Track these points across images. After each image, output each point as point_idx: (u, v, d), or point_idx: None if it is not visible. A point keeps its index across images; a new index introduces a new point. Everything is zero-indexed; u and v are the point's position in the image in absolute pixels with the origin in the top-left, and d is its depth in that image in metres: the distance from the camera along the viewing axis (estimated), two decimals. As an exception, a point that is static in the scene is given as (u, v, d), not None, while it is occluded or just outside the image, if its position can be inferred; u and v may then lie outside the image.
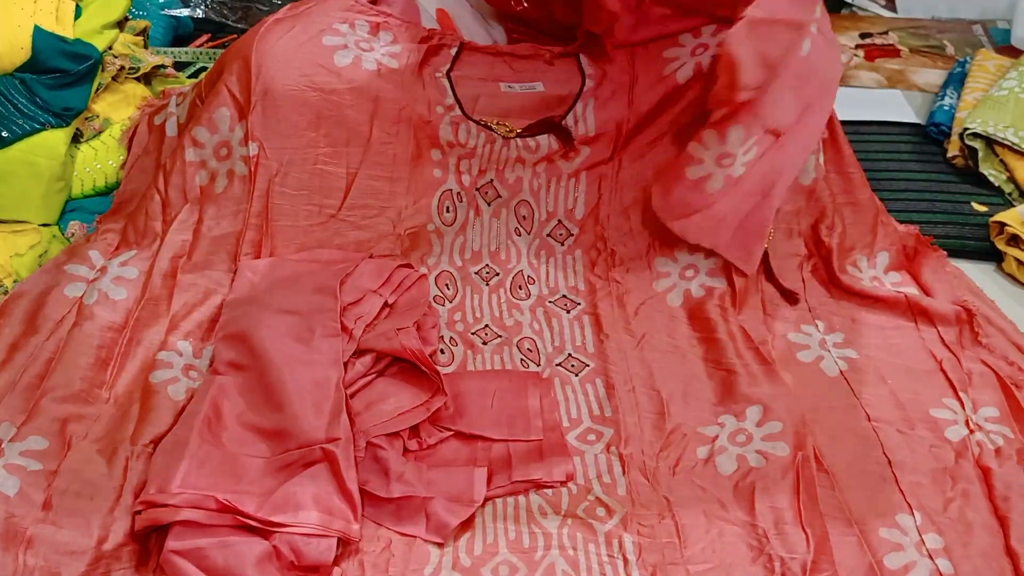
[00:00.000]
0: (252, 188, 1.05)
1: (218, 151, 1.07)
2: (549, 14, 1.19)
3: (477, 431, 0.89)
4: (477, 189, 1.12)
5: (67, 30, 1.12)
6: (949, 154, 1.30)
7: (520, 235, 1.12)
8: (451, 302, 1.07)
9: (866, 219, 1.12)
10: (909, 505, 0.82)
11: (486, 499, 0.82)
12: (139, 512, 0.76)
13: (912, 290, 1.06)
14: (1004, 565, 0.77)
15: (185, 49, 1.47)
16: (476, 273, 1.10)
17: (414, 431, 0.89)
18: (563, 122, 1.12)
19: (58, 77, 1.10)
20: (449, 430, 0.89)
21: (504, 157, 1.11)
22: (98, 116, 1.17)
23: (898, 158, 1.31)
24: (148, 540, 0.77)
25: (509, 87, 1.15)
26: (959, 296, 1.04)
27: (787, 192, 1.10)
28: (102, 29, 1.17)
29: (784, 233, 1.11)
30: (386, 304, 0.98)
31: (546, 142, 1.11)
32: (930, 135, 1.37)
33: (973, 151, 1.26)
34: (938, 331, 1.00)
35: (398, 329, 0.93)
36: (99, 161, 1.15)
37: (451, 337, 1.02)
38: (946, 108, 1.38)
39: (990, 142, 1.26)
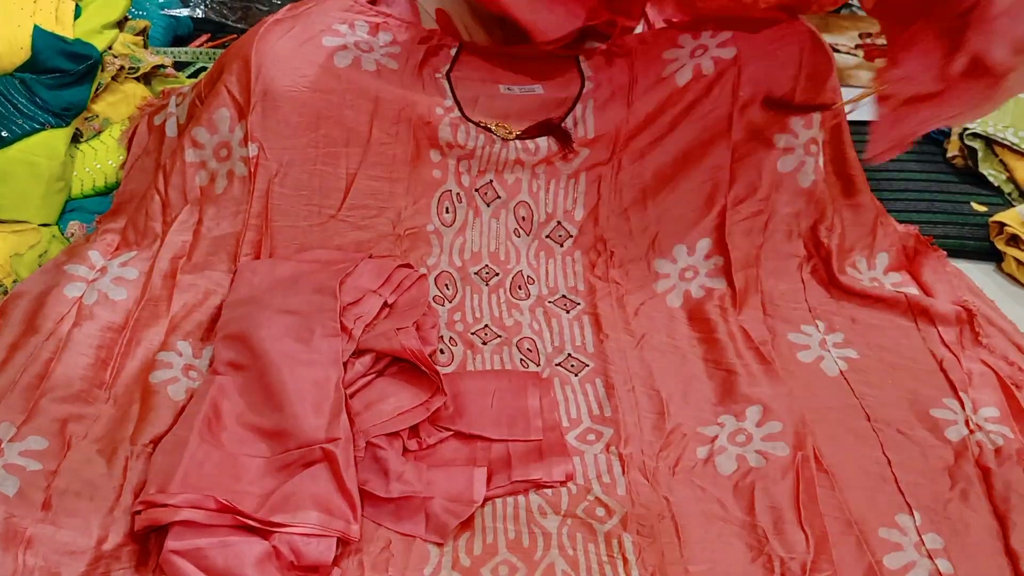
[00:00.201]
0: (252, 189, 1.05)
1: (218, 152, 1.08)
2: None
3: (477, 431, 0.89)
4: (476, 190, 1.12)
5: (67, 30, 1.12)
6: (949, 154, 1.30)
7: (519, 236, 1.13)
8: (451, 302, 1.07)
9: (866, 221, 1.12)
10: (909, 505, 0.82)
11: (486, 499, 0.82)
12: (139, 512, 0.76)
13: (912, 290, 1.06)
14: (1004, 565, 0.77)
15: (185, 49, 1.47)
16: (476, 273, 1.10)
17: (414, 431, 0.89)
18: (563, 124, 1.12)
19: (58, 77, 1.10)
20: (449, 430, 0.89)
21: (503, 159, 1.11)
22: (98, 116, 1.17)
23: (898, 158, 1.30)
24: (148, 540, 0.77)
25: (508, 89, 1.15)
26: (959, 296, 1.04)
27: (787, 194, 1.10)
28: (102, 29, 1.17)
29: (784, 234, 1.11)
30: (386, 304, 0.98)
31: (545, 144, 1.11)
32: (930, 135, 1.37)
33: (973, 151, 1.27)
34: (938, 331, 1.00)
35: (398, 329, 0.93)
36: (99, 161, 1.15)
37: (451, 337, 1.02)
38: (946, 108, 1.37)
39: (990, 142, 1.26)
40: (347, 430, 0.82)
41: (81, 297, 0.98)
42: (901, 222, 1.15)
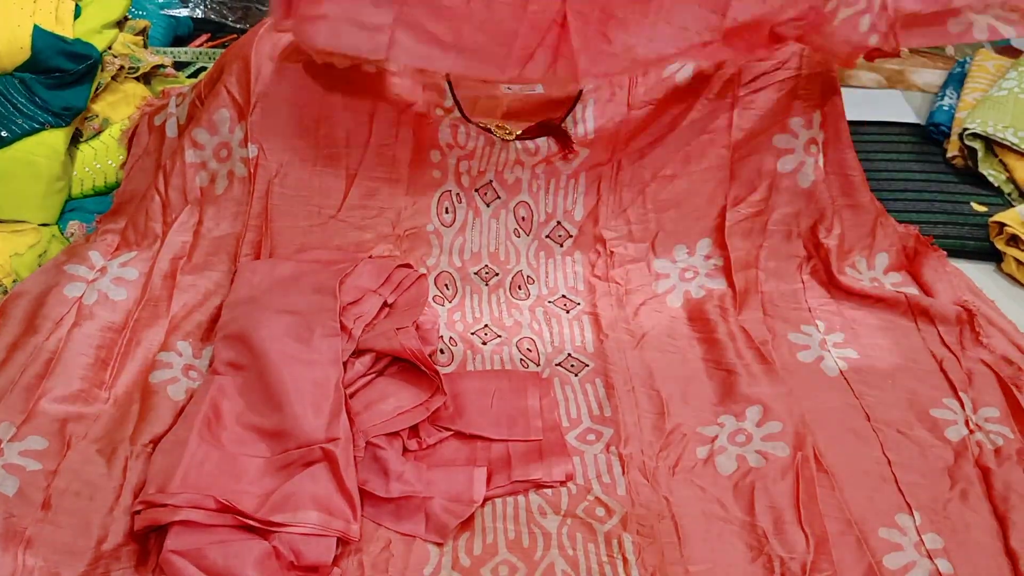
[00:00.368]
0: (252, 189, 1.05)
1: (218, 152, 1.08)
2: None
3: (477, 431, 0.89)
4: (476, 190, 1.12)
5: (67, 30, 1.12)
6: (949, 154, 1.30)
7: (519, 236, 1.12)
8: (451, 302, 1.07)
9: (866, 221, 1.12)
10: (908, 505, 0.82)
11: (486, 499, 0.82)
12: (138, 512, 0.76)
13: (912, 290, 1.06)
14: (1003, 565, 0.77)
15: (185, 49, 1.47)
16: (475, 273, 1.10)
17: (414, 431, 0.89)
18: (562, 124, 1.12)
19: (58, 77, 1.10)
20: (449, 430, 0.89)
21: (503, 159, 1.11)
22: (98, 116, 1.17)
23: (898, 158, 1.31)
24: (147, 540, 0.77)
25: (508, 89, 1.15)
26: (959, 296, 1.04)
27: (787, 194, 1.10)
28: (102, 29, 1.17)
29: (783, 235, 1.11)
30: (385, 304, 0.98)
31: (545, 144, 1.11)
32: (930, 135, 1.37)
33: (972, 151, 1.26)
34: (938, 331, 1.00)
35: (398, 329, 0.93)
36: (99, 161, 1.15)
37: (451, 337, 1.02)
38: (946, 108, 1.38)
39: (989, 142, 1.26)
40: (347, 430, 0.82)
41: (81, 297, 0.98)
42: (901, 222, 1.15)
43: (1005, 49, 1.57)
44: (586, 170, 1.13)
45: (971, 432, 0.88)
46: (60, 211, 1.12)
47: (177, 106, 1.14)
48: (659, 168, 1.12)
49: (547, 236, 1.13)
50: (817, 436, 0.88)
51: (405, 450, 0.87)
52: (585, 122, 1.12)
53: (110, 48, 1.19)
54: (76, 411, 0.86)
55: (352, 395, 0.88)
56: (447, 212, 1.11)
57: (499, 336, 1.03)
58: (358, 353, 0.92)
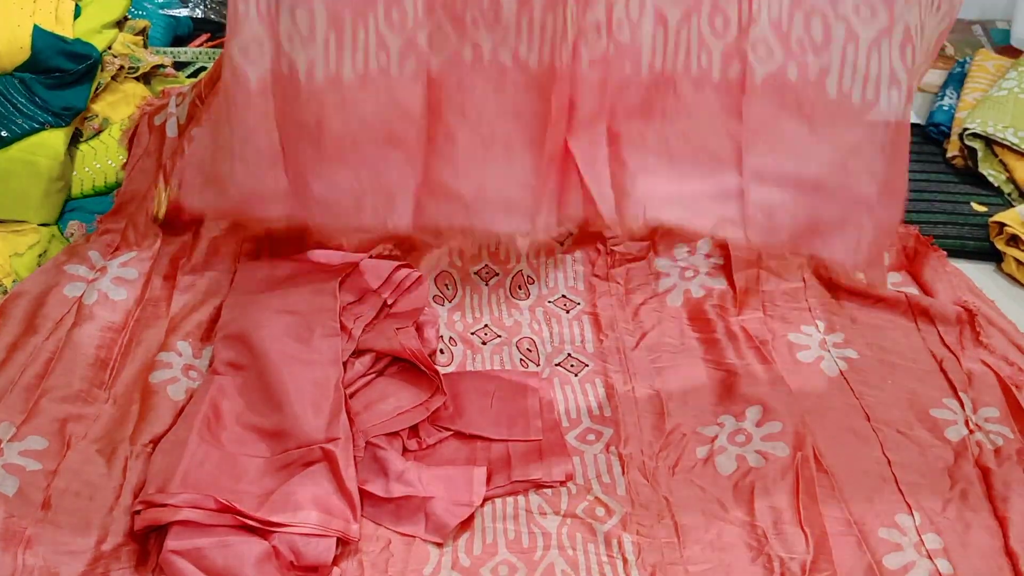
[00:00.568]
0: (252, 188, 1.05)
1: (218, 151, 1.07)
2: None
3: (476, 431, 0.89)
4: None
5: (67, 30, 1.12)
6: (949, 154, 1.30)
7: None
8: (450, 302, 1.07)
9: (866, 220, 1.12)
10: (908, 505, 0.82)
11: (485, 499, 0.82)
12: (138, 512, 0.76)
13: (912, 290, 1.06)
14: (1003, 565, 0.77)
15: (184, 49, 1.47)
16: (475, 273, 1.10)
17: (414, 431, 0.89)
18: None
19: (57, 77, 1.10)
20: (448, 430, 0.89)
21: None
22: (97, 116, 1.17)
23: (897, 158, 1.31)
24: (147, 540, 0.77)
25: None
26: (959, 296, 1.04)
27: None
28: (101, 29, 1.17)
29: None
30: (385, 304, 0.98)
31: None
32: (930, 135, 1.37)
33: (973, 151, 1.26)
34: (938, 331, 1.00)
35: (397, 329, 0.93)
36: (99, 161, 1.15)
37: (450, 337, 1.02)
38: (946, 108, 1.38)
39: (989, 142, 1.26)
40: (347, 430, 0.82)
41: (81, 297, 0.98)
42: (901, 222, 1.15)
43: (1005, 49, 1.58)
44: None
45: (971, 432, 0.88)
46: (60, 211, 1.12)
47: (177, 106, 1.14)
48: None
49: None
50: (817, 436, 0.88)
51: (405, 450, 0.87)
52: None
53: (110, 48, 1.19)
54: (76, 411, 0.86)
55: (352, 395, 0.88)
56: (447, 212, 1.11)
57: (499, 336, 1.03)
58: (358, 353, 0.92)
